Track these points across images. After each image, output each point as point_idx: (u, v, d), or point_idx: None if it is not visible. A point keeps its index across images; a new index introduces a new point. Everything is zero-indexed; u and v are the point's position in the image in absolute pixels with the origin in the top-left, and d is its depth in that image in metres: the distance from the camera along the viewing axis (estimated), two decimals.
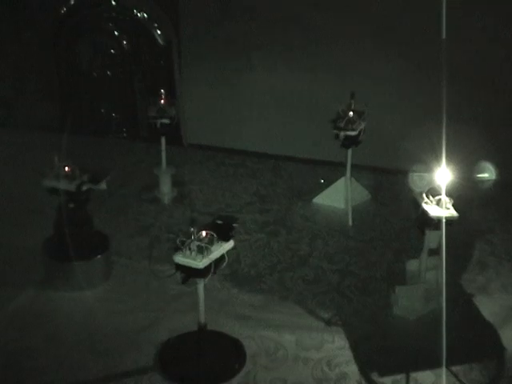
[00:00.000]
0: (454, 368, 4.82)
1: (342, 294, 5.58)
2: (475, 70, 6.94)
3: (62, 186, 5.40)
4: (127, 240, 6.23)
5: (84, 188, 5.43)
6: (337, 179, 6.82)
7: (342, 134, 6.35)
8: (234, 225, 4.57)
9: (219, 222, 4.56)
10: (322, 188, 6.92)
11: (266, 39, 7.46)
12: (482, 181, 5.96)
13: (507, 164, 6.82)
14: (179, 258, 4.42)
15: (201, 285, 4.56)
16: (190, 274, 4.43)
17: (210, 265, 4.42)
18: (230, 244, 4.54)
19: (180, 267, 4.44)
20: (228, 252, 4.55)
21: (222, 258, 4.51)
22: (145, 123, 7.66)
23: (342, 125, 6.35)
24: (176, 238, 4.49)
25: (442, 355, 4.82)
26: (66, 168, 5.42)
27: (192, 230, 4.41)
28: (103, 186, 5.55)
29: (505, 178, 6.83)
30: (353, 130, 6.35)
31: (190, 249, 4.39)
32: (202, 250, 4.38)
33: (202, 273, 4.42)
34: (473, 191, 6.42)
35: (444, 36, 6.02)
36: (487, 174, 6.27)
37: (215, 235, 4.45)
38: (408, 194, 5.29)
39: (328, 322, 5.27)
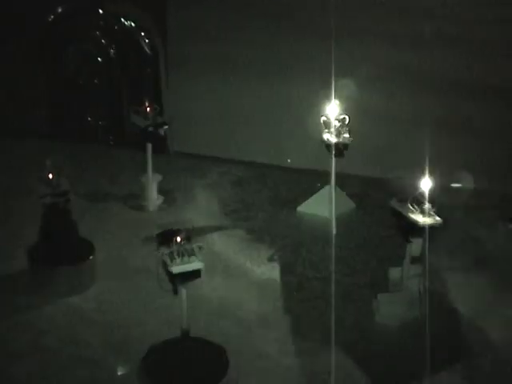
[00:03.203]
0: (436, 373, 4.86)
1: (325, 301, 5.61)
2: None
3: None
4: (112, 247, 6.24)
5: (46, 201, 5.48)
6: (321, 188, 6.88)
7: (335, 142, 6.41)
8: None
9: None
10: (306, 196, 6.96)
11: (252, 50, 7.52)
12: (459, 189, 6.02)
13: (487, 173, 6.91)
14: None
15: (184, 290, 4.58)
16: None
17: (182, 273, 4.47)
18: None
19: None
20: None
21: (196, 271, 4.55)
22: (131, 131, 7.69)
23: (333, 135, 6.41)
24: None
25: (424, 361, 4.87)
26: (50, 175, 5.45)
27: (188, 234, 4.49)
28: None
29: (485, 186, 6.92)
30: (345, 138, 6.41)
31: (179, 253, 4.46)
32: (183, 255, 4.45)
33: (173, 277, 4.49)
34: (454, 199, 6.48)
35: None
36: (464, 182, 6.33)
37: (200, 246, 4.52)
38: (389, 202, 5.34)
39: (312, 329, 5.31)
